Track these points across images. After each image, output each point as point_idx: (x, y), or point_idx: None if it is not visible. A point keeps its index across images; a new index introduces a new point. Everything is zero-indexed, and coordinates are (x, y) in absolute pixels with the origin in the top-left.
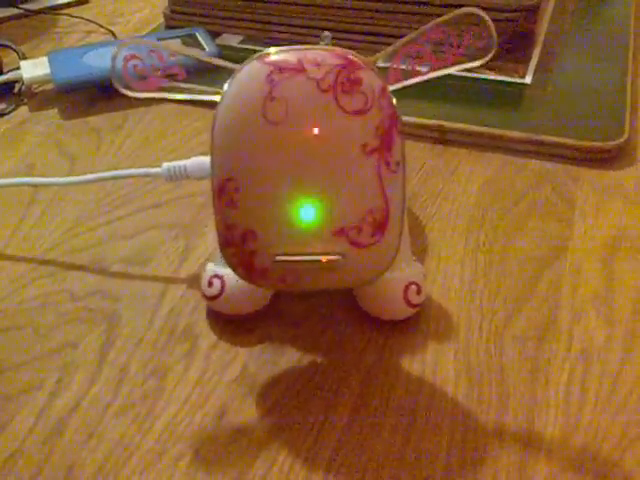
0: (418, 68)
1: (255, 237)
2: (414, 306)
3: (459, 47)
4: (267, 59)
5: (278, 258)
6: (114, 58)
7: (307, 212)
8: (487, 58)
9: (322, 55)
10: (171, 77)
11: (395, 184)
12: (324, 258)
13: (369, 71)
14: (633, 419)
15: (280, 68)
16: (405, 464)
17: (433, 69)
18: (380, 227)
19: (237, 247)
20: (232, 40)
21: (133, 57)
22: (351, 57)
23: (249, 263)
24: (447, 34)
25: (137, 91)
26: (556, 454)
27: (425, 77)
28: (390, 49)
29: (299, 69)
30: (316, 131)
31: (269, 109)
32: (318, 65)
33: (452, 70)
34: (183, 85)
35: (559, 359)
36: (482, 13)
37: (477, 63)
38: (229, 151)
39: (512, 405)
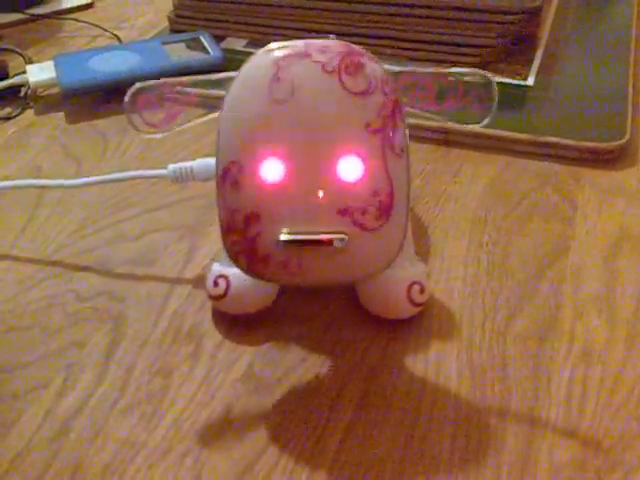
0: (417, 99)
1: (259, 219)
2: (417, 305)
3: (460, 100)
4: (273, 47)
5: (282, 237)
6: (127, 108)
7: (310, 191)
8: (483, 122)
9: (327, 43)
10: (182, 99)
11: (400, 169)
12: (328, 236)
13: (372, 60)
14: (634, 417)
15: (286, 54)
16: (408, 461)
17: (428, 108)
18: (385, 210)
19: (240, 233)
20: (236, 44)
21: (146, 102)
22: (355, 47)
23: (252, 249)
24: (457, 84)
25: (157, 128)
26: (557, 451)
27: (418, 110)
28: (398, 69)
29: (305, 54)
30: (320, 109)
31: (275, 89)
32: (323, 51)
33: (443, 118)
34: (196, 91)
35: (561, 358)
36: (493, 80)
37: (470, 126)
38: (234, 133)
39: (514, 403)
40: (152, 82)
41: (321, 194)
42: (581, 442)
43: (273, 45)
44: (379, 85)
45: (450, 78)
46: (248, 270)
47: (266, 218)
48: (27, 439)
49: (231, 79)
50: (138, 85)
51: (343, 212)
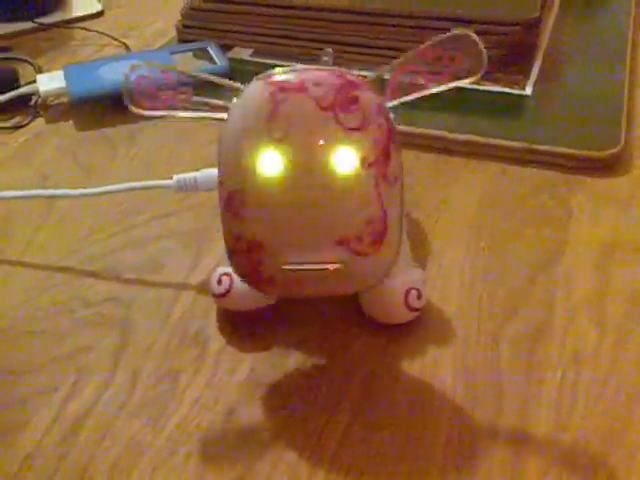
0: (414, 85)
1: (262, 247)
2: (414, 310)
3: (452, 65)
4: (270, 79)
5: (285, 267)
6: (126, 78)
7: (309, 224)
8: (478, 75)
9: (322, 75)
10: (180, 96)
11: (393, 196)
12: (327, 267)
13: (367, 90)
14: (621, 418)
15: (282, 87)
16: (403, 462)
17: (428, 87)
18: (379, 236)
19: (244, 256)
20: (243, 53)
21: (143, 78)
22: (349, 77)
23: (256, 272)
24: (441, 54)
25: (148, 109)
26: (547, 451)
27: (420, 94)
28: (387, 68)
29: (300, 88)
30: (317, 147)
31: (273, 127)
32: (318, 84)
33: (446, 87)
34: (195, 98)
35: (552, 361)
36: (473, 35)
37: (469, 80)
38: (235, 166)
39: (506, 405)
40: (152, 62)
41: (319, 226)
42: (570, 444)
43: (268, 75)
44: (374, 117)
45: (435, 49)
46: (254, 287)
47: (269, 248)
48: (37, 441)
49: (230, 89)
50: (138, 63)
51: (340, 242)
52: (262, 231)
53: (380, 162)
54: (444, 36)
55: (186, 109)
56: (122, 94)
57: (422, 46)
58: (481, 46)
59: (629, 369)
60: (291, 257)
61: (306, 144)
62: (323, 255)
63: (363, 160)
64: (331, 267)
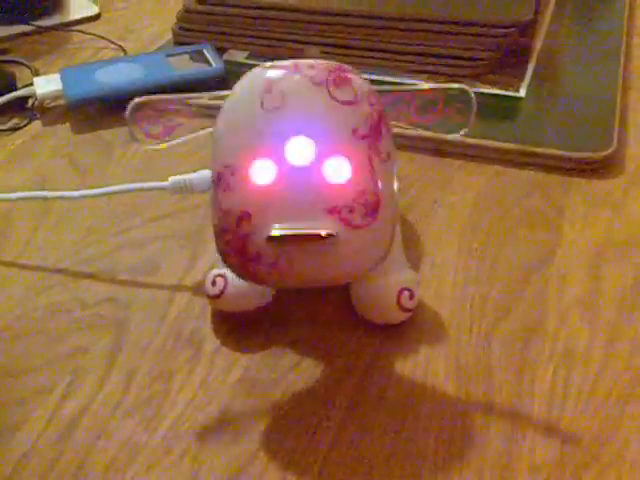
0: (399, 115)
1: (249, 218)
2: (407, 310)
3: (441, 113)
4: (266, 65)
5: (272, 232)
6: (129, 113)
7: (300, 190)
8: (461, 133)
9: (315, 61)
10: (182, 120)
11: (386, 173)
12: (316, 232)
13: (358, 76)
14: (611, 416)
15: (278, 71)
16: (395, 461)
17: (411, 122)
18: (372, 210)
19: (232, 232)
20: (238, 56)
21: (145, 115)
22: (342, 64)
23: (243, 248)
24: (437, 98)
25: (153, 139)
26: (539, 448)
27: (400, 126)
28: (383, 87)
29: (295, 70)
30: (309, 115)
31: (266, 99)
32: (312, 67)
33: (423, 133)
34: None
35: (544, 360)
36: (472, 95)
37: (450, 136)
38: (227, 140)
39: (498, 403)
40: (151, 97)
41: (310, 194)
42: (561, 439)
43: (266, 64)
44: (365, 96)
45: (433, 92)
46: (240, 271)
47: (257, 217)
48: (33, 440)
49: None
50: (137, 100)
51: (331, 211)
52: (251, 201)
53: (372, 137)
54: (446, 85)
55: (192, 130)
56: (129, 136)
57: (422, 86)
58: (474, 106)
59: (620, 368)
60: (279, 224)
61: (300, 114)
62: (313, 225)
63: (355, 131)
64: (321, 232)
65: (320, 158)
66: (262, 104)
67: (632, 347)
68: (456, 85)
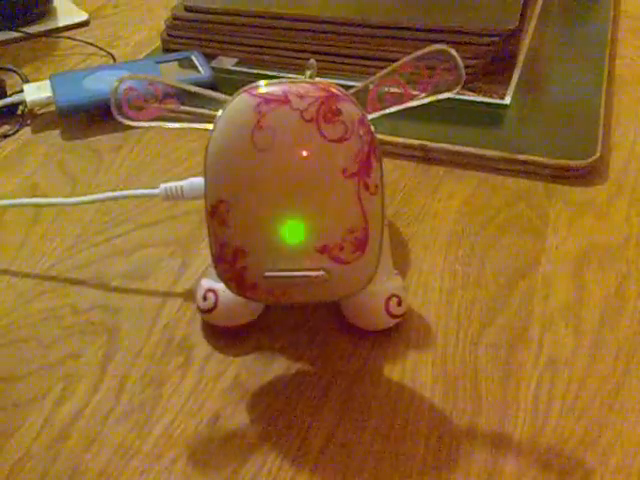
0: (393, 98)
1: (245, 255)
2: (395, 317)
3: (431, 80)
4: (255, 91)
5: (267, 274)
6: (114, 91)
7: (293, 231)
8: (456, 90)
9: (305, 88)
10: (167, 107)
11: (374, 205)
12: (309, 274)
13: (349, 102)
14: (595, 422)
15: (267, 100)
16: (384, 465)
17: (407, 100)
18: (361, 245)
19: (229, 264)
20: (227, 63)
21: (131, 90)
22: (332, 89)
23: (240, 278)
24: (420, 68)
25: (136, 120)
26: (524, 453)
27: (400, 107)
28: (369, 80)
29: (284, 101)
30: (300, 157)
31: (257, 137)
32: (302, 97)
33: (425, 100)
34: (182, 108)
35: (529, 366)
36: (451, 50)
37: (447, 95)
38: (221, 176)
39: (484, 408)
40: (139, 75)
41: (302, 235)
42: (546, 444)
43: (253, 87)
44: (355, 129)
45: (415, 64)
46: (238, 294)
47: (252, 255)
48: (27, 446)
49: (215, 100)
50: (126, 75)
51: (322, 250)
52: (246, 239)
53: (362, 172)
54: (423, 51)
55: (172, 120)
56: (110, 105)
57: (401, 60)
58: (459, 61)
59: (604, 374)
60: (274, 264)
61: (290, 155)
62: (305, 262)
63: (345, 170)
64: (312, 274)
65: (311, 200)
66: (253, 142)
67: (616, 353)
68: (434, 47)
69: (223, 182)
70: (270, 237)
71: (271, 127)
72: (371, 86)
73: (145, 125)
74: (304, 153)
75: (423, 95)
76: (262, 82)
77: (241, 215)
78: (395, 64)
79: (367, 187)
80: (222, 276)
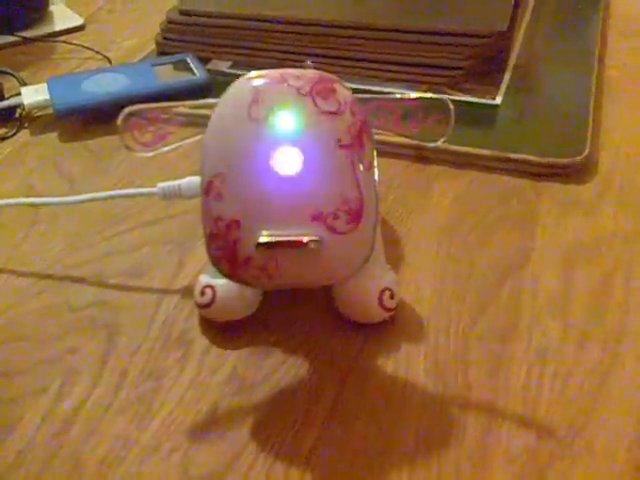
0: (382, 124)
1: (239, 225)
2: (388, 310)
3: (421, 123)
4: (253, 75)
5: (260, 239)
6: (121, 122)
7: (286, 198)
8: (439, 142)
9: (302, 72)
10: (170, 129)
11: (368, 182)
12: (302, 239)
13: (342, 86)
14: (582, 409)
15: (265, 81)
16: (376, 453)
17: (393, 132)
18: (355, 216)
19: (222, 238)
20: (221, 65)
21: (136, 123)
22: (327, 75)
23: (233, 253)
24: (417, 107)
25: (143, 147)
26: (513, 440)
27: (382, 135)
28: (366, 96)
29: (281, 80)
30: (295, 126)
31: (254, 110)
32: (298, 77)
33: (406, 140)
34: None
35: (518, 357)
36: (451, 106)
37: (430, 144)
38: (217, 150)
39: (474, 399)
40: (142, 105)
41: (296, 202)
42: (535, 432)
43: (252, 73)
44: (348, 107)
45: (416, 101)
46: (230, 274)
47: (245, 225)
48: (29, 438)
49: (215, 104)
50: (129, 109)
51: (316, 218)
52: (240, 209)
53: (355, 146)
54: (427, 95)
55: (182, 138)
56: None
57: (406, 95)
58: (452, 118)
59: (591, 364)
60: (267, 231)
61: (286, 125)
62: (299, 231)
63: (339, 141)
64: (305, 239)
65: (305, 167)
66: (249, 114)
67: (602, 345)
68: (437, 96)
69: (219, 155)
70: (263, 204)
71: (267, 101)
72: (368, 102)
73: (155, 153)
74: (299, 122)
75: (408, 134)
76: (259, 71)
77: (236, 185)
78: (399, 95)
79: (361, 161)
80: (215, 255)
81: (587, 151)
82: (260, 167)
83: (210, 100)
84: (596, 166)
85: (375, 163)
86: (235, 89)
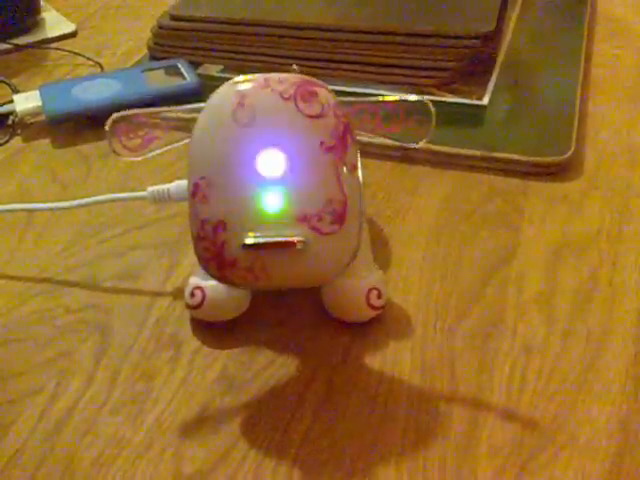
0: (364, 126)
1: (225, 227)
2: (376, 309)
3: (403, 124)
4: (237, 80)
5: (246, 241)
6: (109, 128)
7: (272, 200)
8: (421, 143)
9: (284, 76)
10: (160, 133)
11: (352, 183)
12: (288, 239)
13: (324, 89)
14: (565, 403)
15: (249, 85)
16: (364, 448)
17: (376, 133)
18: (339, 217)
19: (209, 240)
20: (212, 70)
21: (124, 129)
22: (309, 79)
23: (220, 255)
24: (399, 110)
25: (132, 152)
26: (498, 433)
27: (365, 137)
28: (349, 99)
29: (264, 85)
30: (279, 129)
31: (238, 114)
32: (281, 82)
33: (390, 140)
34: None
35: (503, 352)
36: (431, 107)
37: (411, 145)
38: (203, 153)
39: (460, 393)
40: (129, 111)
41: (282, 204)
42: (519, 425)
43: (238, 78)
44: (331, 110)
45: (397, 104)
46: (218, 275)
47: (231, 226)
48: (24, 438)
49: (201, 108)
50: (116, 115)
51: (301, 219)
52: (227, 211)
53: (338, 148)
54: (409, 98)
55: (170, 142)
56: (110, 148)
57: (387, 98)
58: (433, 119)
59: (574, 359)
60: (253, 235)
61: (270, 128)
62: (285, 232)
63: (322, 144)
64: (291, 239)
65: (290, 170)
66: (234, 118)
67: (586, 340)
68: (417, 97)
69: (205, 158)
70: (249, 207)
71: (252, 105)
72: (351, 105)
73: (143, 157)
74: (283, 126)
75: (390, 135)
76: (242, 76)
77: (222, 188)
78: (380, 98)
79: (344, 163)
80: (202, 257)
81: (572, 149)
82: (245, 170)
83: (198, 104)
84: (582, 164)
85: (359, 164)
86: (220, 94)
